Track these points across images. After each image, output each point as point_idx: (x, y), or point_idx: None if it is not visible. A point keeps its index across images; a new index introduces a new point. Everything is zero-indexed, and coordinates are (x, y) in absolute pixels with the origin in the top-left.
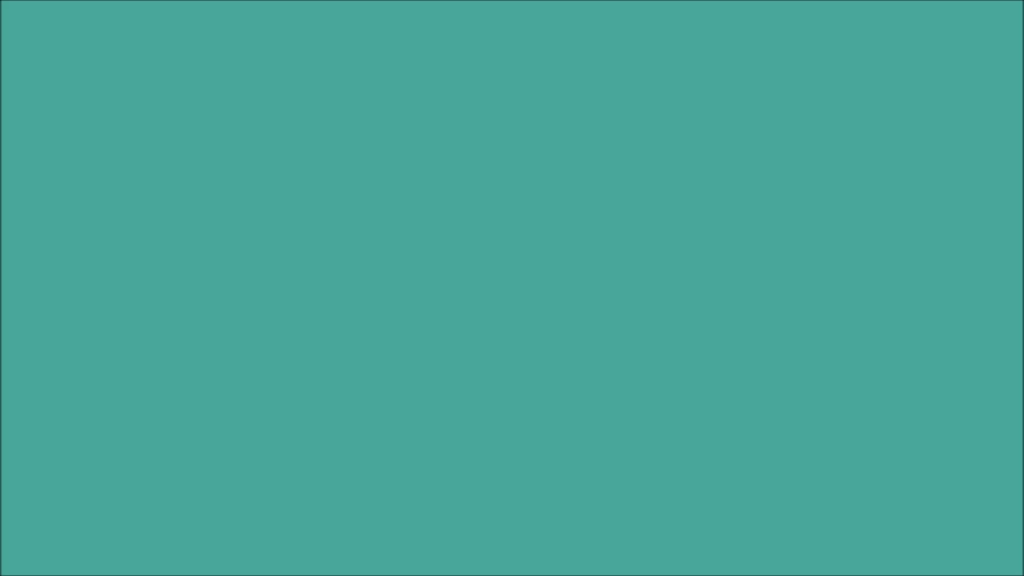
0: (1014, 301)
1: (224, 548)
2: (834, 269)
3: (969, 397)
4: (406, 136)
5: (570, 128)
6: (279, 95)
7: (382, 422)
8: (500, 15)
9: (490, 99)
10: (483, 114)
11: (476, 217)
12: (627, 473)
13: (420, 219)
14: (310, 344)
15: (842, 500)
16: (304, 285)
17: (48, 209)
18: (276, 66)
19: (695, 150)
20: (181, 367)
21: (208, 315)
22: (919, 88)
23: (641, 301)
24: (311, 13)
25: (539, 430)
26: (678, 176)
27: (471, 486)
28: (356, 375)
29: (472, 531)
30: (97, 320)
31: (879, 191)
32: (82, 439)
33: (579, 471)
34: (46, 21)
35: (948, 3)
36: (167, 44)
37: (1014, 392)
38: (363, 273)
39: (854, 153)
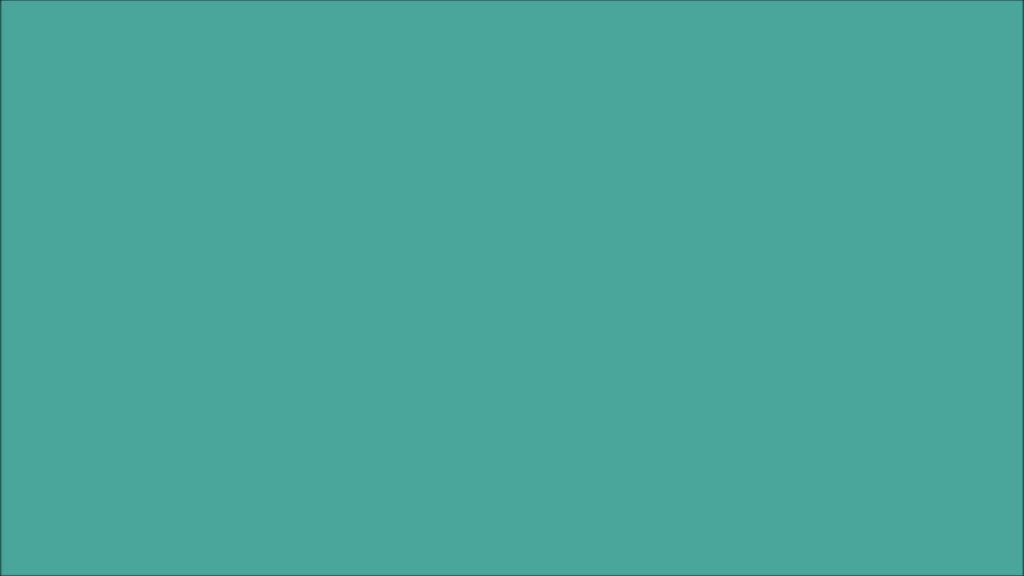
0: (1014, 301)
1: (224, 548)
2: (834, 269)
3: (969, 397)
4: (406, 136)
5: (570, 128)
6: (279, 95)
7: (382, 422)
8: (500, 15)
9: (490, 99)
10: (483, 114)
11: (476, 217)
12: (627, 473)
13: (420, 219)
14: (310, 344)
15: (842, 500)
16: (304, 285)
17: (48, 209)
18: (276, 66)
19: (695, 150)
20: (181, 367)
21: (208, 315)
22: (919, 88)
23: (641, 301)
24: (311, 13)
25: (539, 430)
26: (678, 176)
27: (471, 486)
28: (356, 375)
29: (472, 531)
30: (97, 320)
31: (879, 191)
32: (82, 439)
33: (579, 471)
34: (46, 21)
35: (948, 3)
36: (167, 44)
37: (1014, 392)
38: (363, 273)
39: (854, 153)
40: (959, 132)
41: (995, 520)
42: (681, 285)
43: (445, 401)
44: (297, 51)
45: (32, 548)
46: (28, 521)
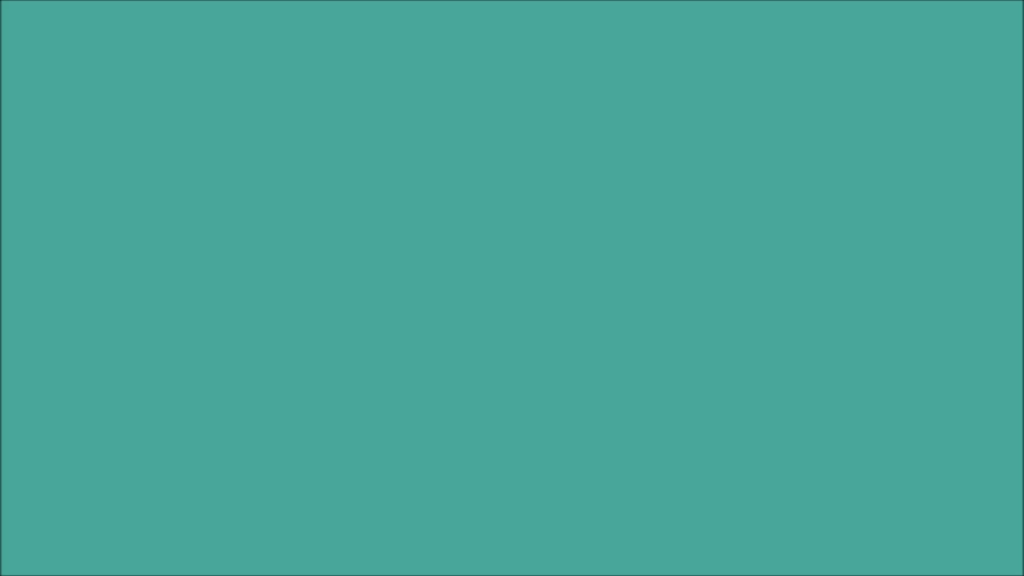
0: (1014, 301)
1: (224, 548)
2: (834, 269)
3: (969, 397)
4: (406, 136)
5: (570, 128)
6: (279, 95)
7: (382, 422)
8: (500, 15)
9: (490, 99)
10: (483, 114)
11: (476, 217)
12: (627, 473)
13: (420, 219)
14: (310, 344)
15: (842, 500)
16: (304, 285)
17: (48, 209)
18: (276, 66)
19: (695, 150)
20: (181, 367)
21: (208, 315)
22: (919, 88)
23: (641, 301)
24: (311, 13)
25: (539, 430)
26: (678, 176)
27: (471, 486)
28: (356, 375)
29: (472, 531)
30: (97, 320)
31: (879, 191)
32: (82, 439)
33: (579, 471)
34: (46, 21)
35: (948, 3)
36: (167, 44)
37: (1014, 392)
38: (363, 273)
39: (854, 153)
40: (959, 132)
41: (995, 520)
42: (681, 285)
43: (445, 401)
44: (297, 51)
45: (32, 548)
46: (28, 521)
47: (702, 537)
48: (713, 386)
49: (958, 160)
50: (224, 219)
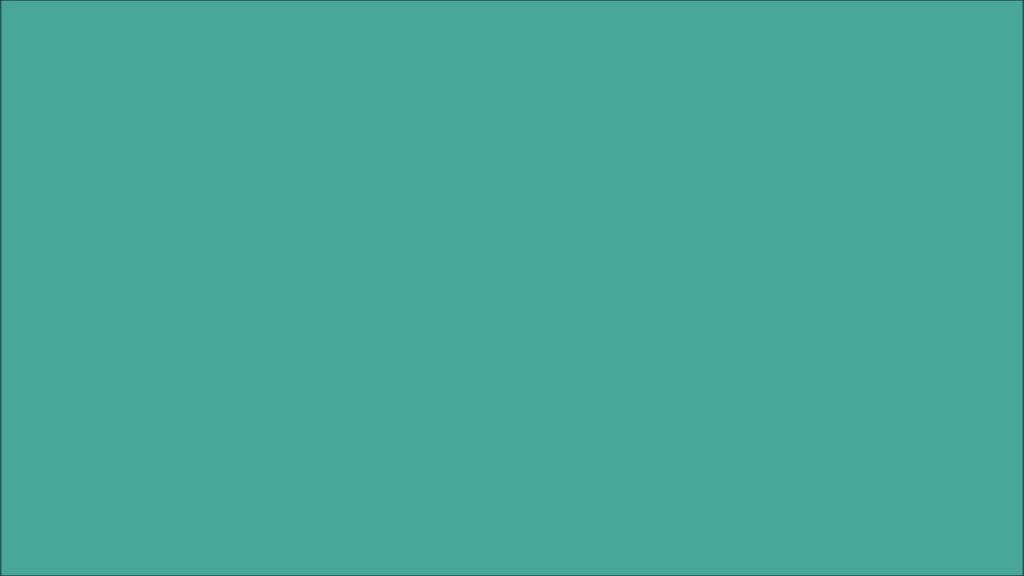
0: (1014, 301)
1: (224, 548)
2: (834, 269)
3: (969, 397)
4: (406, 136)
5: (570, 128)
6: (279, 95)
7: (382, 422)
8: (500, 15)
9: (490, 99)
10: (483, 114)
11: (476, 217)
12: (627, 473)
13: (420, 219)
14: (310, 344)
15: (842, 500)
16: (304, 285)
17: (48, 209)
18: (276, 66)
19: (695, 150)
20: (181, 367)
21: (208, 315)
22: (919, 88)
23: (641, 301)
24: (311, 13)
25: (539, 430)
26: (678, 176)
27: (471, 486)
28: (356, 375)
29: (472, 531)
30: (97, 320)
31: (879, 191)
32: (82, 439)
33: (579, 471)
34: (46, 21)
35: (948, 3)
36: (167, 44)
37: (1014, 392)
38: (363, 273)
39: (854, 153)
40: (959, 132)
41: (995, 520)
42: (681, 285)
43: (445, 401)
44: (297, 51)
45: (32, 548)
46: (28, 521)
47: (702, 537)
48: (713, 386)
49: (958, 160)
50: (224, 219)
